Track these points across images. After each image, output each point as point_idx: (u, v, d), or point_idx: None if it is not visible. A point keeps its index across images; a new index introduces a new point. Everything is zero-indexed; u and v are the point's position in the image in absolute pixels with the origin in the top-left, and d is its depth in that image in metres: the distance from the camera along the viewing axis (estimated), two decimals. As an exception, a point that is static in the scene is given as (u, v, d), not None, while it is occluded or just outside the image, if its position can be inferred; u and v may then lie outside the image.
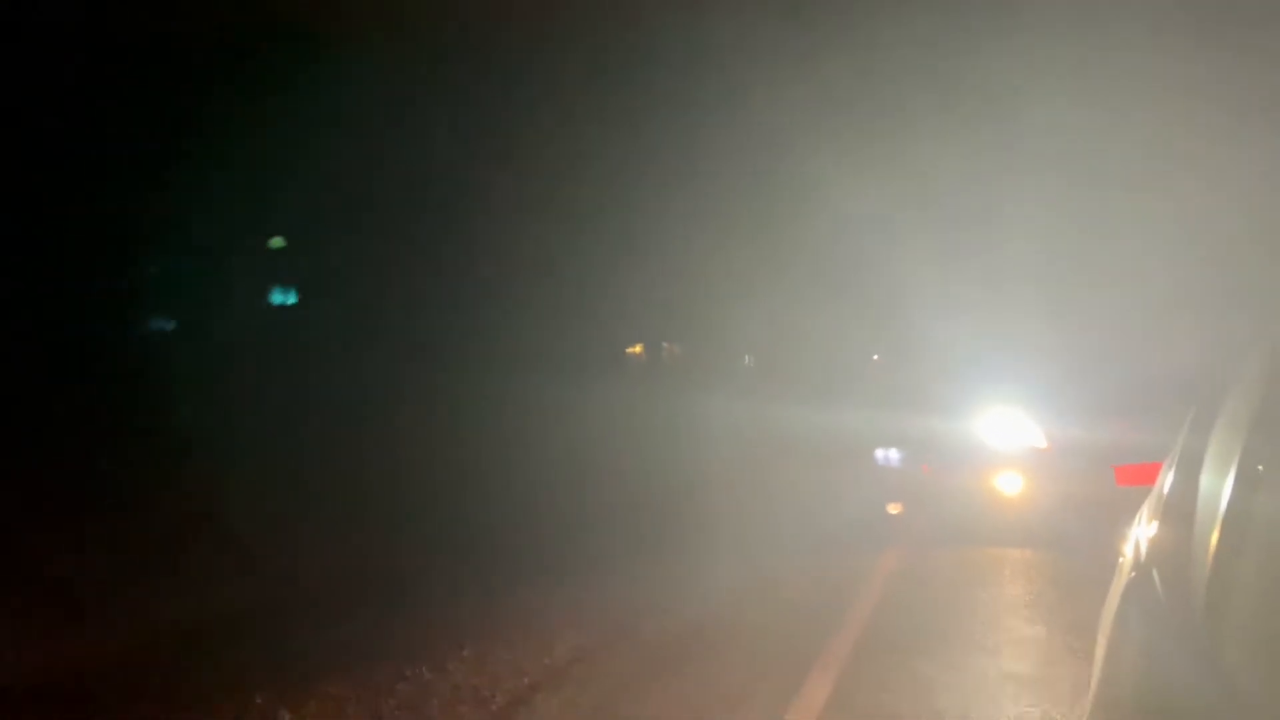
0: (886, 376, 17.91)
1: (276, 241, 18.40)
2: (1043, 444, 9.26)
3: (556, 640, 5.32)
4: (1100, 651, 1.96)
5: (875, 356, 19.99)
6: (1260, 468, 1.39)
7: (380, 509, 8.90)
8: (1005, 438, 9.37)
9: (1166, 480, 2.09)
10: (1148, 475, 8.46)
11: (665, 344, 28.33)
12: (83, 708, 4.37)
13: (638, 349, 28.32)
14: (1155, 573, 1.72)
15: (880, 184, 16.04)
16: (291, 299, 17.79)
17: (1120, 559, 2.25)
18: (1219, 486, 1.49)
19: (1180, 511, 1.75)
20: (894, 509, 10.48)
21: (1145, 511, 2.26)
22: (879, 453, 14.27)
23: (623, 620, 5.75)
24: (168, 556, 6.85)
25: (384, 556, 7.41)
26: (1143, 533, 2.08)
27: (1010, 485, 9.04)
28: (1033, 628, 5.50)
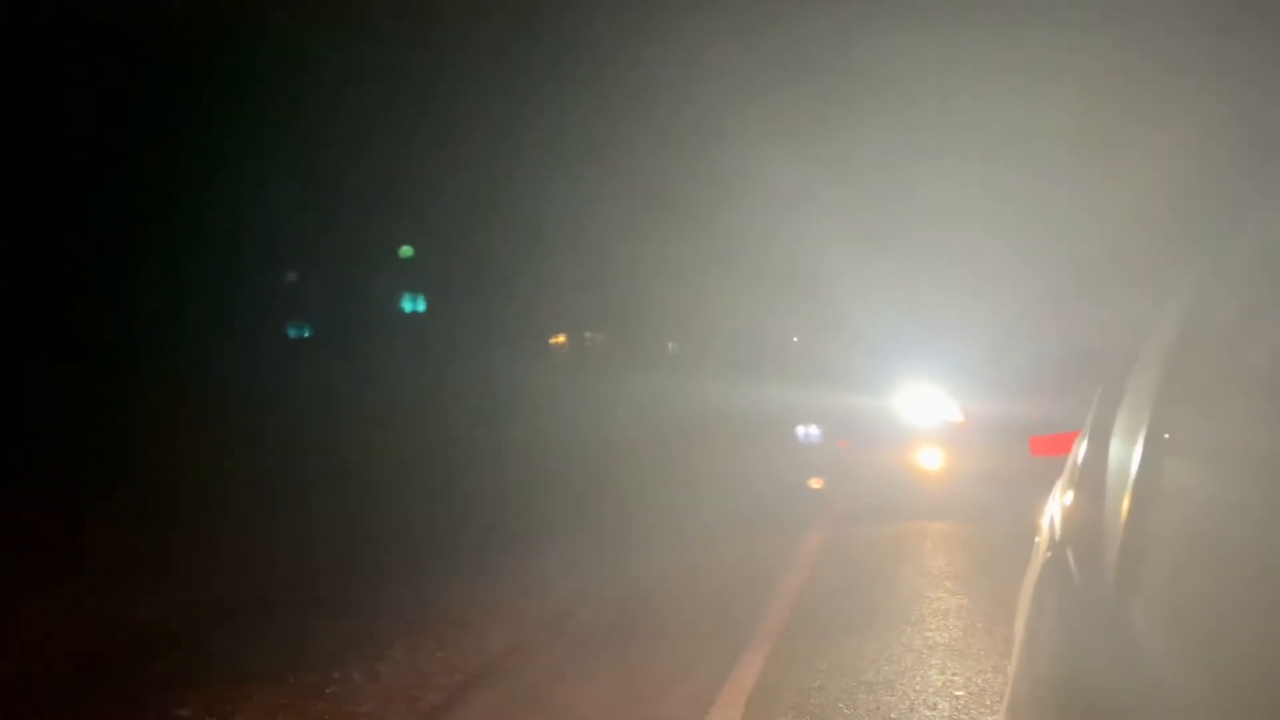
0: (808, 356, 18.16)
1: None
2: (960, 419, 9.50)
3: (489, 633, 5.30)
4: (1018, 634, 1.94)
5: (795, 338, 20.24)
6: (1166, 436, 1.40)
7: (295, 505, 8.76)
8: (924, 414, 9.58)
9: (1079, 454, 2.10)
10: (1061, 445, 8.74)
11: (587, 333, 28.32)
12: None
13: (561, 339, 28.26)
14: (1069, 551, 1.72)
15: (799, 168, 16.21)
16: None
17: (1036, 538, 2.25)
18: (1128, 458, 1.50)
19: (1092, 485, 1.77)
20: (815, 484, 10.66)
21: (1059, 490, 2.26)
22: (800, 430, 14.47)
23: (555, 608, 5.75)
24: (77, 561, 6.66)
25: (302, 555, 7.28)
26: (1057, 511, 2.08)
27: (929, 460, 9.26)
28: (955, 599, 5.64)
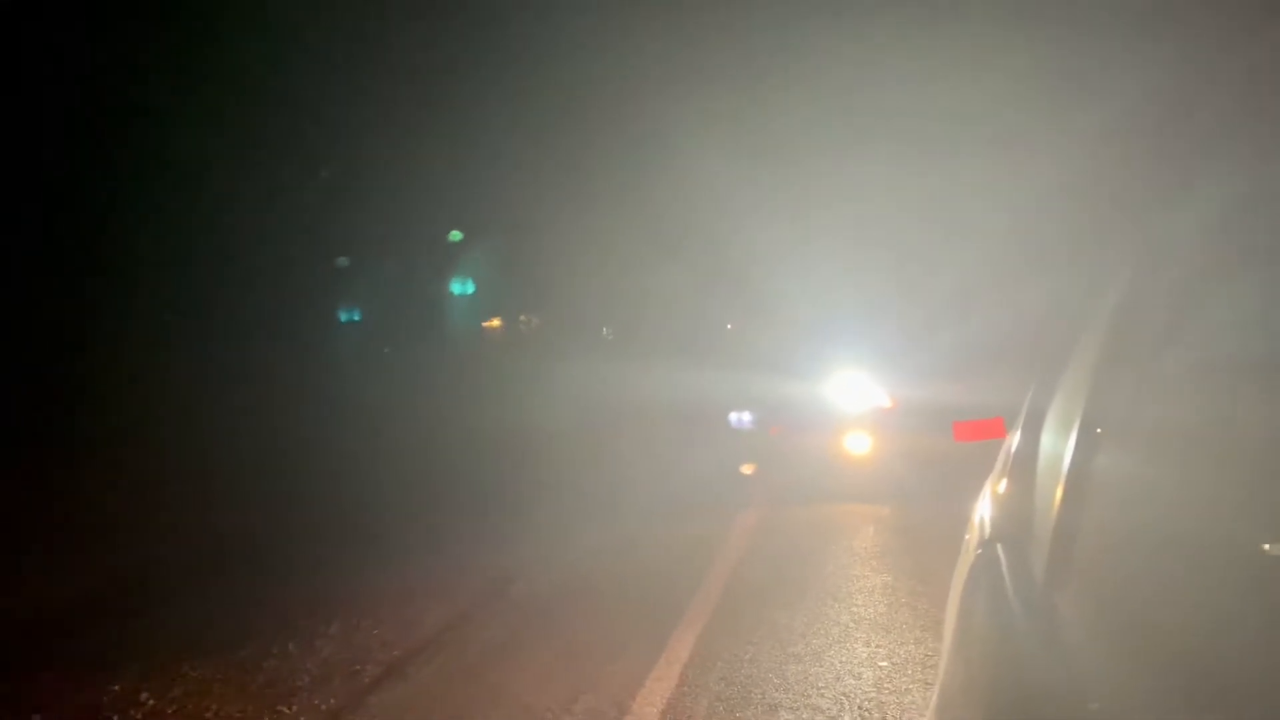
0: (741, 343, 18.35)
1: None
2: (887, 404, 9.75)
3: (426, 611, 5.36)
4: (948, 630, 1.92)
5: (729, 325, 20.45)
6: (1099, 430, 1.41)
7: (236, 487, 8.73)
8: (853, 399, 9.82)
9: (1011, 448, 2.08)
10: (984, 430, 9.02)
11: (522, 316, 28.26)
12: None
13: (495, 322, 28.14)
14: (1000, 547, 1.72)
15: (733, 156, 16.38)
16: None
17: (966, 536, 2.21)
18: (1060, 453, 1.51)
19: (1023, 481, 1.78)
20: (747, 469, 10.84)
21: (989, 485, 2.23)
22: (732, 416, 14.64)
23: (490, 587, 5.83)
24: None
25: (241, 536, 7.27)
26: (987, 508, 2.07)
27: (858, 444, 9.49)
28: (880, 576, 5.84)
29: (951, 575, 2.70)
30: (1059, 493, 1.42)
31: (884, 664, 4.28)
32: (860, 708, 3.79)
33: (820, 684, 4.05)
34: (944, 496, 7.24)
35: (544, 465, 10.35)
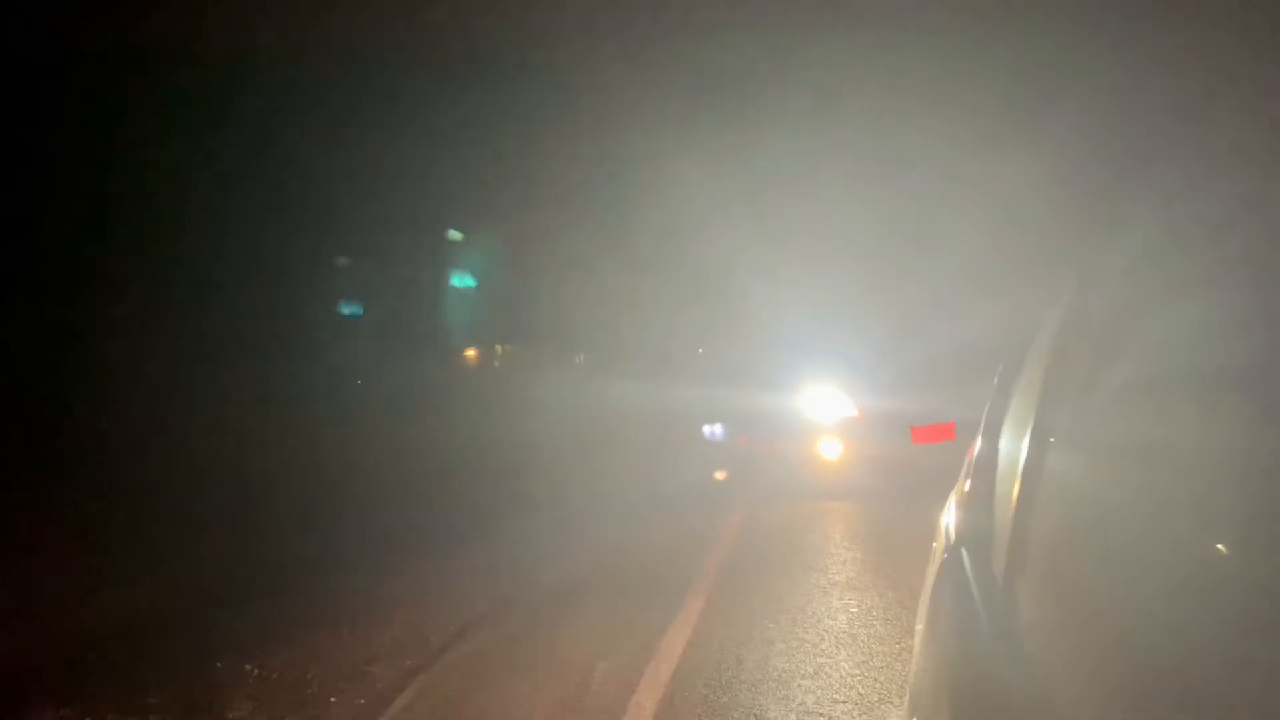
0: (714, 361, 19.20)
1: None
2: (855, 413, 10.87)
3: (472, 597, 6.28)
4: (919, 630, 1.96)
5: (700, 350, 21.39)
6: (1051, 440, 1.45)
7: (251, 507, 9.36)
8: (822, 410, 10.94)
9: (974, 454, 2.14)
10: (937, 434, 10.21)
11: (498, 346, 29.07)
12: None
13: (471, 353, 28.91)
14: (964, 550, 1.76)
15: (702, 182, 17.18)
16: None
17: (934, 543, 2.29)
18: (1015, 458, 1.54)
19: (984, 486, 1.86)
20: (720, 476, 11.85)
21: (954, 494, 2.30)
22: (706, 429, 15.58)
23: (507, 589, 6.68)
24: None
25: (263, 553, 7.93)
26: (953, 515, 2.12)
27: (828, 450, 10.61)
28: (849, 553, 6.95)
29: (909, 552, 3.64)
30: (1015, 499, 1.45)
31: (854, 610, 5.39)
32: (835, 638, 4.88)
33: (805, 624, 5.13)
34: (904, 493, 8.42)
35: (538, 483, 11.27)
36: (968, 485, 2.11)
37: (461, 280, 21.43)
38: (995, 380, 2.25)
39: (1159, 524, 0.98)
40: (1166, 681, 0.85)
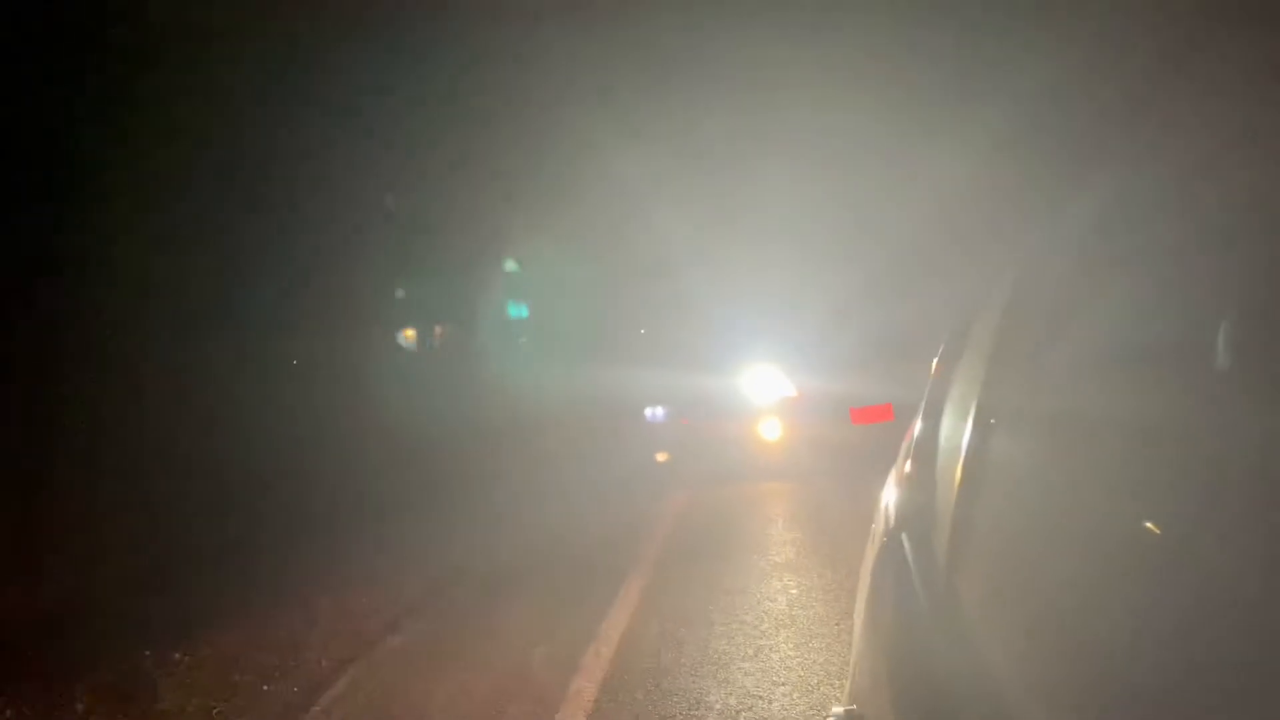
0: (655, 343, 19.28)
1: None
2: (794, 394, 10.95)
3: (404, 585, 6.19)
4: (858, 618, 1.93)
5: (642, 330, 21.42)
6: (993, 421, 1.43)
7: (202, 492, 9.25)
8: (763, 391, 10.99)
9: (914, 438, 2.11)
10: (875, 415, 10.39)
11: (437, 327, 28.79)
12: None
13: (409, 334, 28.58)
14: (904, 535, 1.73)
15: (644, 164, 17.20)
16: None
17: (873, 525, 2.24)
18: (958, 443, 1.51)
19: (925, 470, 1.82)
20: (661, 458, 11.89)
21: (893, 475, 2.26)
22: (648, 411, 15.64)
23: (458, 562, 6.72)
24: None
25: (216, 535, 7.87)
26: (892, 498, 2.08)
27: (768, 431, 10.66)
28: (790, 534, 6.97)
29: (848, 532, 3.64)
30: (958, 481, 1.43)
31: (795, 591, 5.39)
32: (775, 620, 4.88)
33: (745, 606, 5.13)
34: (843, 473, 8.50)
35: (481, 464, 11.21)
36: (908, 467, 2.06)
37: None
38: (935, 360, 2.22)
39: (1104, 506, 0.95)
40: (1111, 667, 0.83)
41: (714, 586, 5.61)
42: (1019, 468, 1.30)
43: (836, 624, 4.75)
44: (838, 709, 1.70)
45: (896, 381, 10.14)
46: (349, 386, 15.79)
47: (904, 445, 2.32)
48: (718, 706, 3.87)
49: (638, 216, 19.34)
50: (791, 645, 4.54)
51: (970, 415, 1.50)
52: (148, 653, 4.94)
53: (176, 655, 4.90)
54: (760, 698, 3.93)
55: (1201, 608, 0.73)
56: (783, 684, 4.06)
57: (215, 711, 4.22)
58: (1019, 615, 1.08)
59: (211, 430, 10.79)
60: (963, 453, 1.46)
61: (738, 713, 3.81)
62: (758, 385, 11.10)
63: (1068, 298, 1.33)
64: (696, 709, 3.87)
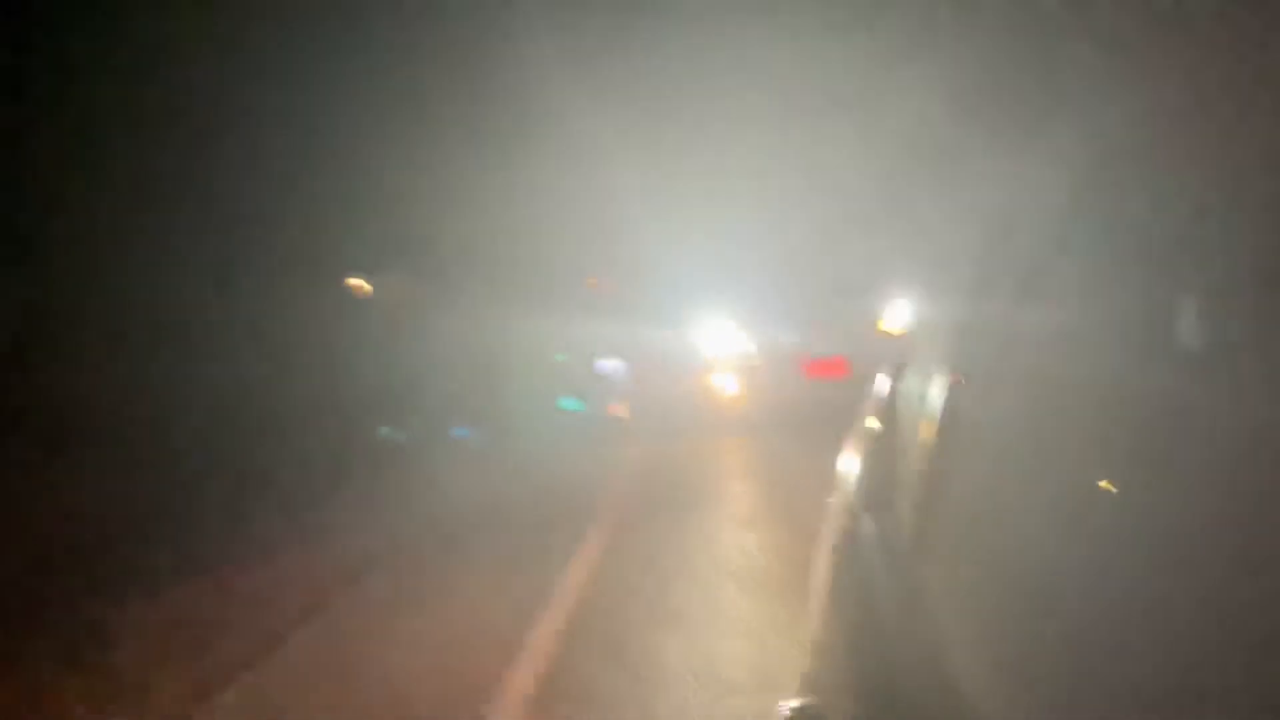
0: (612, 296, 19.34)
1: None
2: (752, 349, 11.11)
3: (342, 552, 6.14)
4: (819, 596, 1.86)
5: (594, 279, 21.41)
6: (960, 388, 1.38)
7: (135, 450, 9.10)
8: (719, 345, 11.13)
9: (878, 409, 2.04)
10: (828, 368, 10.56)
11: (386, 277, 28.47)
12: None
13: (360, 282, 28.24)
14: (868, 514, 1.69)
15: (600, 112, 17.11)
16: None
17: (830, 498, 2.15)
18: (927, 405, 1.47)
19: (888, 438, 1.77)
20: (616, 410, 11.99)
21: (854, 448, 2.17)
22: (600, 364, 15.73)
23: (426, 511, 6.78)
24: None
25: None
26: (855, 473, 2.01)
27: (724, 384, 10.83)
28: (744, 484, 7.14)
29: (802, 483, 3.69)
30: (927, 447, 1.40)
31: (751, 544, 5.53)
32: (731, 572, 5.00)
33: (703, 553, 5.26)
34: (796, 426, 8.67)
35: (437, 412, 11.22)
36: (870, 440, 1.99)
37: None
38: (900, 327, 2.23)
39: (1085, 478, 0.89)
40: (1086, 651, 0.80)
41: (672, 537, 5.75)
42: (988, 446, 1.24)
43: (793, 576, 4.89)
44: (793, 702, 1.61)
45: (850, 336, 10.41)
46: (298, 335, 15.58)
47: (864, 414, 2.22)
48: (673, 650, 3.98)
49: (596, 167, 19.23)
50: (743, 593, 4.68)
51: (937, 392, 1.43)
52: (105, 608, 4.92)
53: (134, 609, 4.89)
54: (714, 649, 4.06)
55: (1169, 577, 0.71)
56: (739, 635, 4.18)
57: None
58: (988, 598, 1.05)
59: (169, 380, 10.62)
60: (928, 430, 1.42)
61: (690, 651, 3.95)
62: (714, 340, 11.24)
63: (1034, 264, 1.26)
64: (651, 649, 3.98)
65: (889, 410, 1.94)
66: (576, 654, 4.06)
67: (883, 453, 1.83)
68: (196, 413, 9.94)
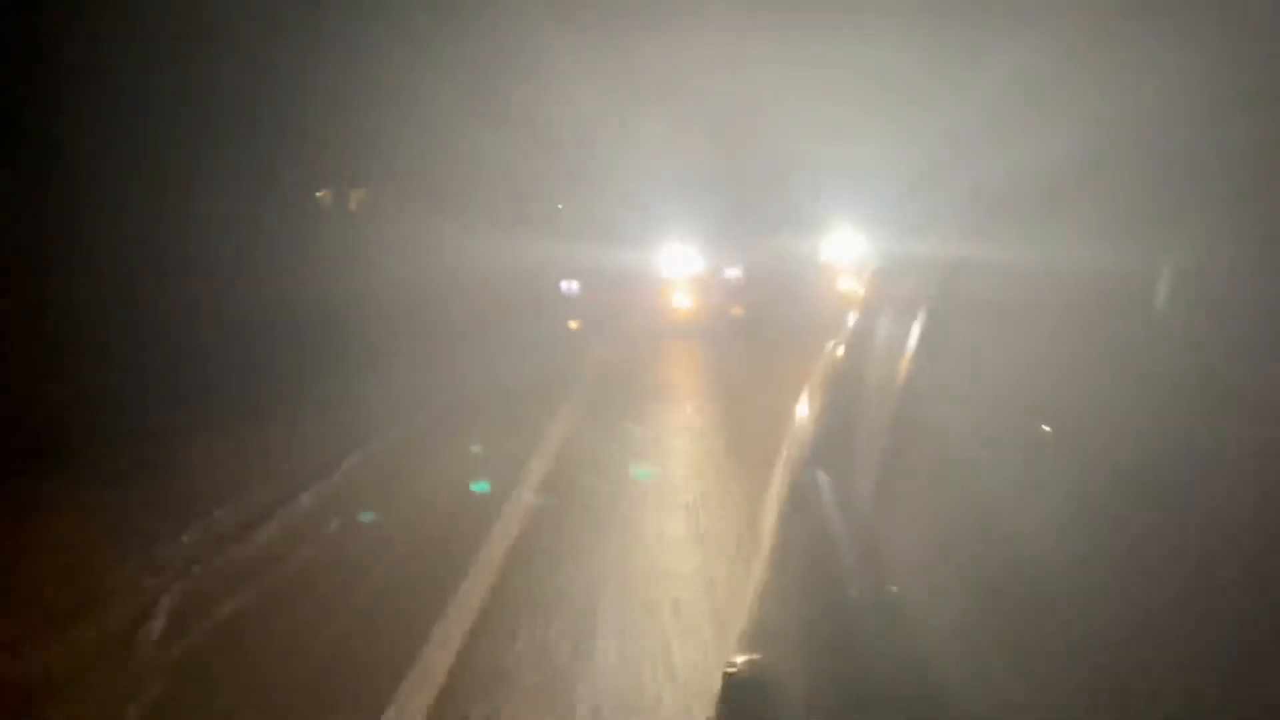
0: (575, 217, 20.00)
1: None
2: (702, 268, 12.22)
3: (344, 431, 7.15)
4: (766, 548, 1.79)
5: (560, 205, 22.02)
6: (929, 366, 1.27)
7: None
8: (675, 265, 12.25)
9: (834, 367, 1.95)
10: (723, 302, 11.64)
11: (354, 190, 28.73)
12: None
13: (324, 194, 28.43)
14: (821, 471, 1.62)
15: (565, 38, 17.53)
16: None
17: (784, 452, 2.07)
18: (891, 375, 1.37)
19: (847, 401, 1.66)
20: (574, 325, 12.97)
21: (807, 401, 2.09)
22: (563, 284, 16.53)
23: (409, 401, 7.80)
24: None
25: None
26: (809, 428, 1.93)
27: (680, 301, 11.98)
28: (692, 382, 8.36)
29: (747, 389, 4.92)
30: (886, 416, 1.33)
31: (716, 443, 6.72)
32: (676, 428, 6.20)
33: (659, 454, 6.50)
34: (738, 335, 9.89)
35: (413, 326, 12.09)
36: (826, 404, 1.87)
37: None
38: (868, 276, 2.04)
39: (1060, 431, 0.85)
40: (1050, 617, 0.77)
41: (631, 415, 6.97)
42: (955, 403, 1.15)
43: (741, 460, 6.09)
44: (738, 658, 1.56)
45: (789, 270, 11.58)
46: (275, 245, 15.97)
47: (820, 369, 2.11)
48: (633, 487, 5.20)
49: (561, 90, 19.71)
50: (688, 442, 5.96)
51: (908, 352, 1.32)
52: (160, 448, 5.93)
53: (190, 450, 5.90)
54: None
55: (1137, 531, 0.69)
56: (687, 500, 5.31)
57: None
58: (952, 558, 1.01)
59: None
60: (899, 385, 1.32)
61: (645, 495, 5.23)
62: (671, 260, 12.32)
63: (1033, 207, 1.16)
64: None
65: (852, 357, 1.78)
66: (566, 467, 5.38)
67: (843, 402, 1.70)
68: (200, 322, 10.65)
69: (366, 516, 4.93)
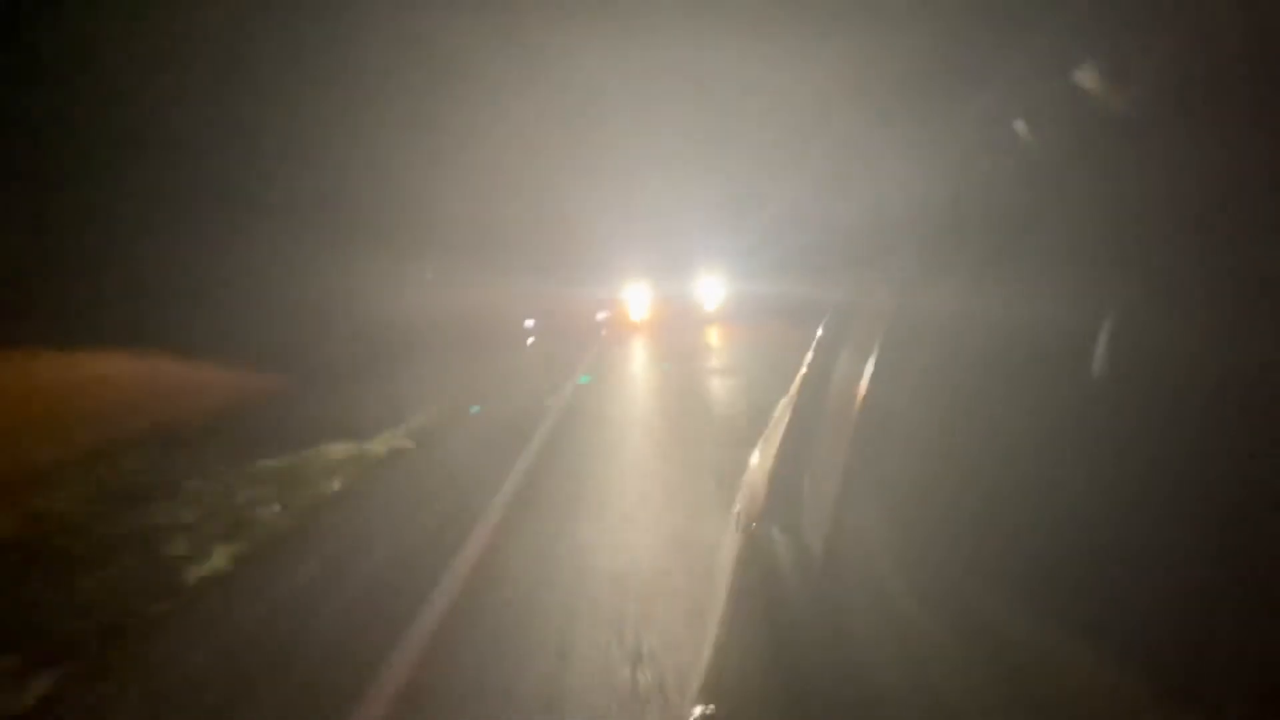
0: (548, 259, 22.78)
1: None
2: (647, 297, 17.26)
3: (418, 411, 11.26)
4: (717, 620, 1.68)
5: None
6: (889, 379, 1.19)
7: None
8: (629, 294, 17.43)
9: (783, 420, 1.86)
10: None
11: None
12: None
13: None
14: (775, 529, 1.54)
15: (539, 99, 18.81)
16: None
17: (735, 508, 1.97)
18: (851, 391, 1.29)
19: (796, 455, 1.62)
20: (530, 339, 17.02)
21: (759, 456, 1.98)
22: (526, 321, 20.47)
23: (456, 396, 11.35)
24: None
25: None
26: (761, 482, 1.82)
27: (634, 315, 16.98)
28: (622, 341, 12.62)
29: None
30: (835, 465, 1.27)
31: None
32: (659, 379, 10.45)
33: (677, 394, 10.68)
34: (693, 330, 14.42)
35: (424, 349, 14.82)
36: (777, 457, 1.75)
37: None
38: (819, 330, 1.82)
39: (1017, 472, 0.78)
40: (999, 666, 0.74)
41: (628, 383, 10.98)
42: (917, 426, 1.08)
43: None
44: (696, 709, 1.50)
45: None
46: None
47: (773, 421, 2.01)
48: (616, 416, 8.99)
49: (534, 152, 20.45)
50: (671, 390, 10.02)
51: (866, 363, 1.24)
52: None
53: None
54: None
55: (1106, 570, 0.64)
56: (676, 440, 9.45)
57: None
58: (907, 629, 0.95)
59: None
60: (853, 424, 1.24)
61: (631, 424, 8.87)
62: (635, 295, 17.81)
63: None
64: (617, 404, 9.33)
65: (805, 402, 1.69)
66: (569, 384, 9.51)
67: (791, 458, 1.63)
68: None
69: (474, 409, 9.05)
